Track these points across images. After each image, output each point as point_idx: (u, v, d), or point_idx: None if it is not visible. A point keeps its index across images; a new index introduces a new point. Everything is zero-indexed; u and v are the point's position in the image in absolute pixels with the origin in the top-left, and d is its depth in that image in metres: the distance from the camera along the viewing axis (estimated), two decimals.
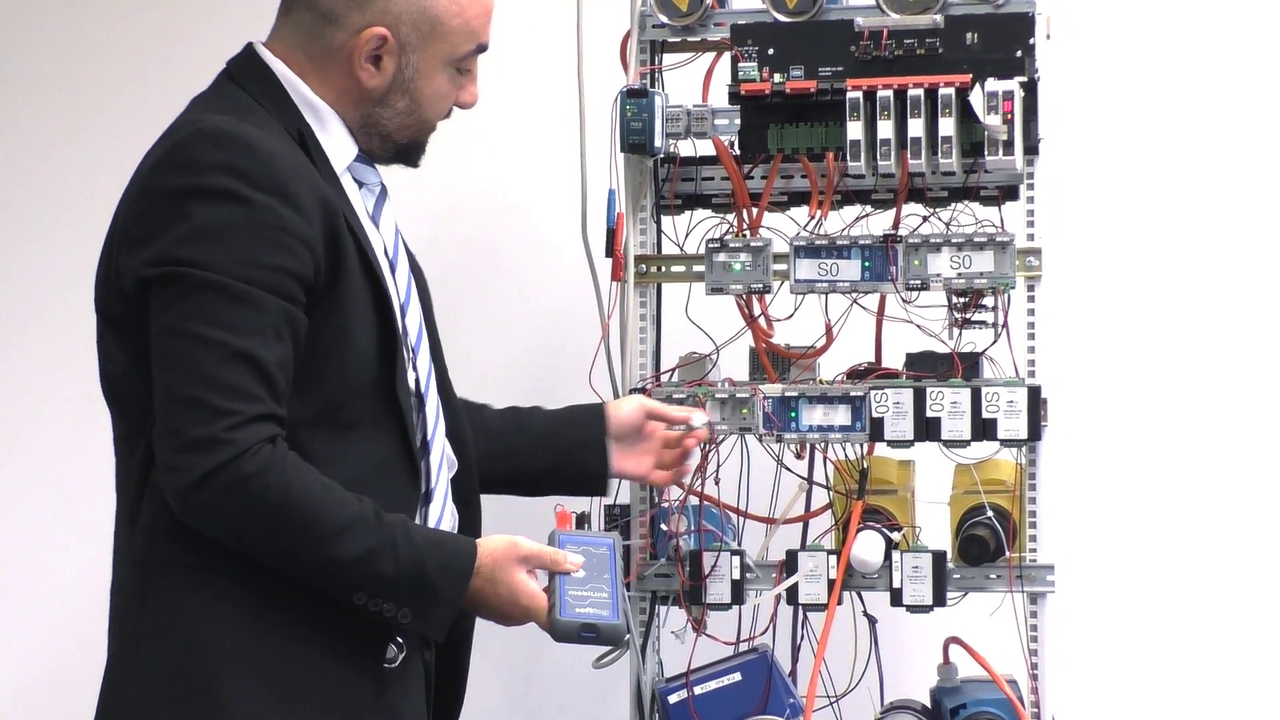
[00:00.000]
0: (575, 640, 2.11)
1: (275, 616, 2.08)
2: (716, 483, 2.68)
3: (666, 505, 2.67)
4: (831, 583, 2.60)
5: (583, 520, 2.52)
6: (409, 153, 2.28)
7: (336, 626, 2.10)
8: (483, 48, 2.26)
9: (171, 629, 2.08)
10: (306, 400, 2.07)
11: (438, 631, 2.11)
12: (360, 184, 2.22)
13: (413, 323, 2.23)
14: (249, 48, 2.21)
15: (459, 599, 2.09)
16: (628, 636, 2.26)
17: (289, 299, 2.03)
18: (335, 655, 2.11)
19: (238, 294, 2.01)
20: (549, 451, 2.49)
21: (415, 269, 2.31)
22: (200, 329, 1.99)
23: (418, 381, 2.22)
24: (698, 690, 2.63)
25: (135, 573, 2.12)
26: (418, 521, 2.18)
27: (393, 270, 2.20)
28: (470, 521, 2.30)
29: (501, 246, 2.49)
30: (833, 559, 2.61)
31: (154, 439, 2.03)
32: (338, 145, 2.20)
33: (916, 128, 2.58)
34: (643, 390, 2.67)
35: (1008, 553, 2.60)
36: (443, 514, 2.23)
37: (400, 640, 2.17)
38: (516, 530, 2.22)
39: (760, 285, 2.67)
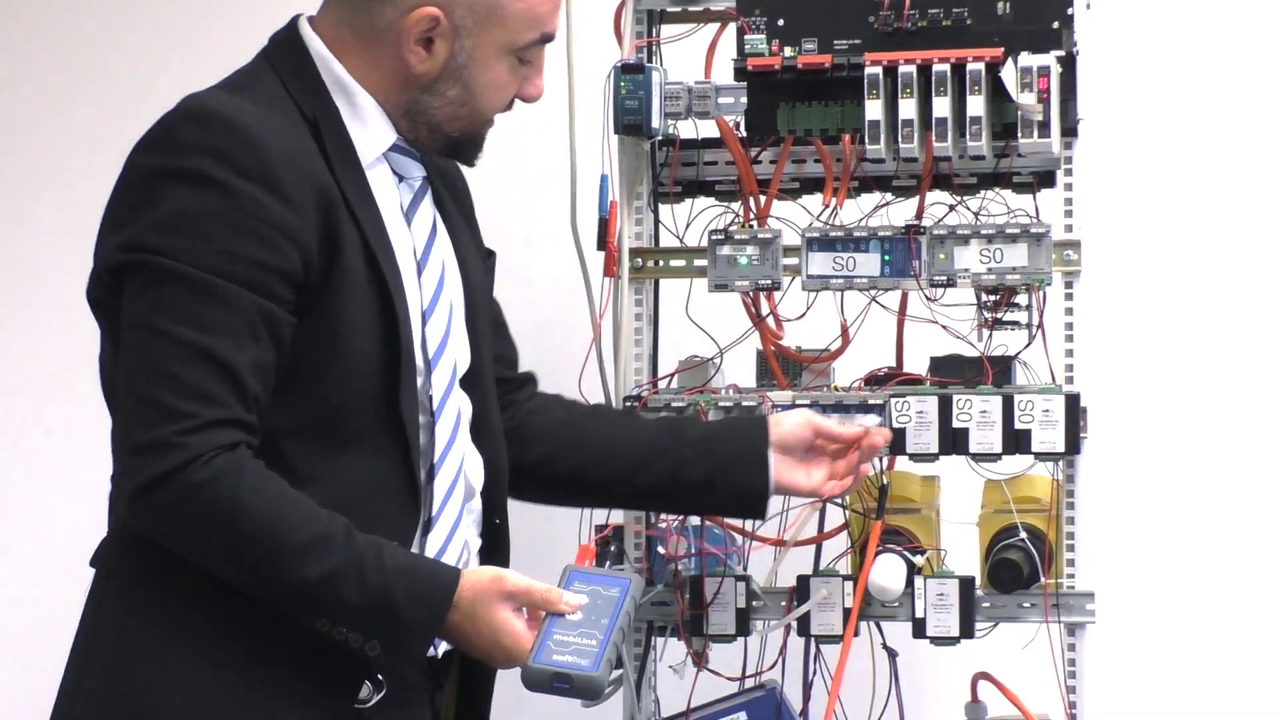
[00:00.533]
0: (546, 690, 2.03)
1: (231, 644, 2.05)
2: None
3: (664, 526, 2.62)
4: (847, 612, 2.55)
5: (605, 559, 2.54)
6: (463, 148, 2.23)
7: (301, 658, 2.06)
8: (548, 38, 2.23)
9: (118, 645, 2.07)
10: (293, 409, 2.05)
11: (409, 666, 2.08)
12: (401, 178, 2.19)
13: (435, 331, 2.18)
14: (292, 22, 2.20)
15: (432, 632, 2.04)
16: (608, 691, 2.18)
17: (268, 296, 1.99)
18: (297, 692, 2.07)
19: (208, 287, 1.98)
20: (706, 462, 2.42)
21: (465, 271, 2.28)
22: (164, 324, 1.97)
23: (431, 398, 2.17)
24: None
25: (97, 579, 2.12)
26: (415, 552, 2.14)
27: (419, 272, 2.17)
28: (494, 549, 2.28)
29: (488, 237, 2.44)
30: (849, 585, 2.56)
31: (110, 439, 2.02)
32: (370, 133, 2.17)
33: (942, 107, 2.51)
34: (639, 399, 2.64)
35: (1043, 579, 2.55)
36: (447, 545, 2.17)
37: (379, 678, 2.11)
38: (534, 556, 2.21)
39: (769, 281, 2.62)
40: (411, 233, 2.15)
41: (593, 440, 2.45)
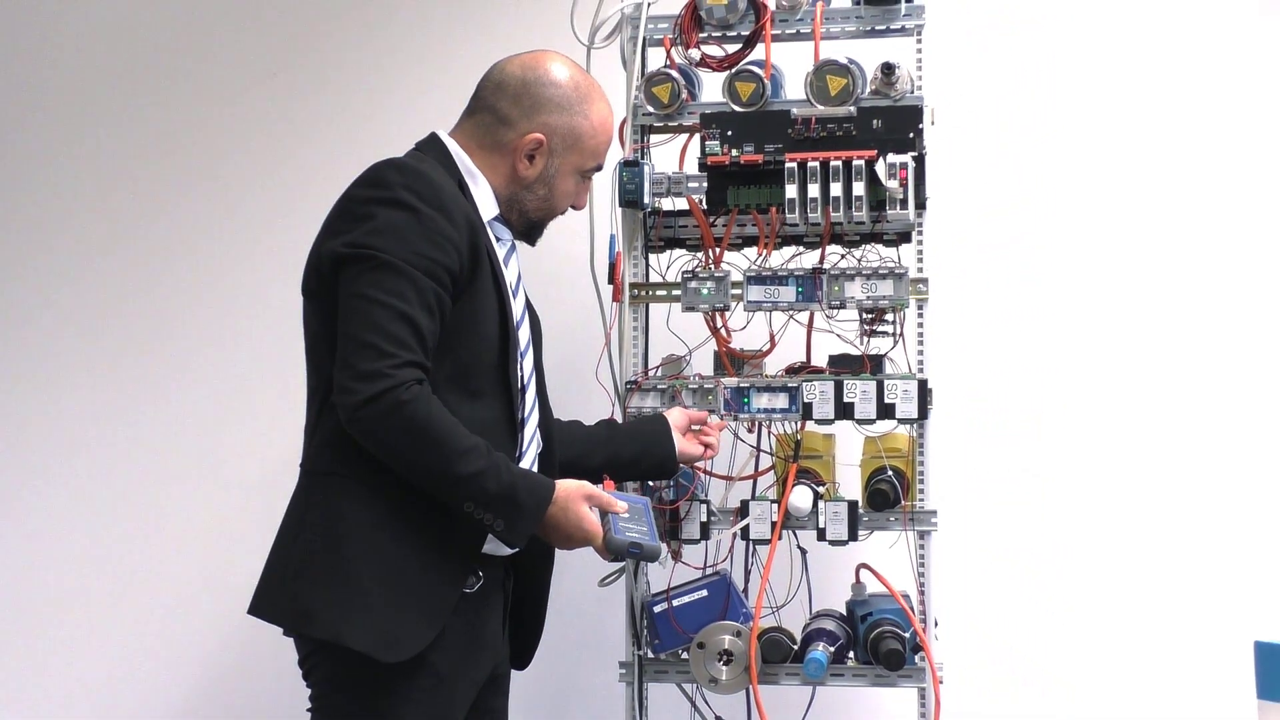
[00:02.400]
0: (624, 554, 2.27)
1: (399, 526, 2.21)
2: None
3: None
4: (774, 524, 2.70)
5: (621, 487, 2.60)
6: (533, 231, 2.48)
7: (439, 544, 2.22)
8: (599, 167, 2.48)
9: (323, 523, 2.22)
10: (444, 364, 2.23)
11: (519, 539, 2.27)
12: (497, 238, 2.39)
13: (522, 336, 2.40)
14: (433, 134, 2.43)
15: (538, 517, 2.24)
16: (661, 553, 2.41)
17: (439, 283, 2.20)
18: (437, 564, 2.23)
19: (405, 273, 2.16)
20: (635, 441, 2.64)
21: (530, 310, 2.47)
22: (377, 294, 2.15)
23: (520, 377, 2.37)
24: (676, 603, 2.75)
25: (305, 479, 2.30)
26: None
27: (513, 296, 2.38)
28: None
29: (535, 276, 2.57)
30: (774, 506, 2.71)
31: (335, 371, 2.17)
32: (484, 202, 2.37)
33: (836, 189, 2.69)
34: (635, 383, 2.79)
35: (903, 501, 2.73)
36: None
37: (480, 573, 2.29)
38: None
39: (722, 305, 2.80)
40: (506, 273, 2.36)
41: (560, 438, 2.54)
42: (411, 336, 2.14)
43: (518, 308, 2.39)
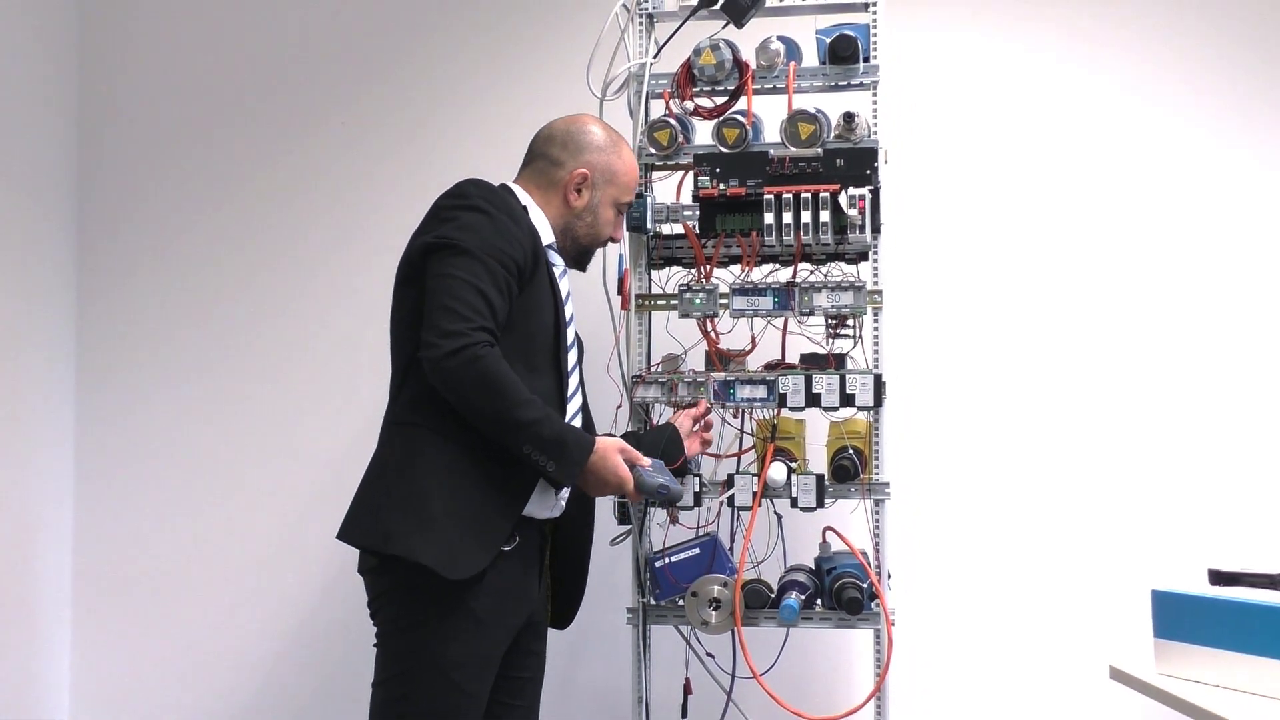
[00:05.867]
0: (653, 494, 2.40)
1: (464, 469, 2.30)
2: None
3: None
4: (755, 494, 2.75)
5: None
6: (583, 257, 2.64)
7: (496, 487, 2.29)
8: (630, 203, 2.65)
9: (403, 464, 2.32)
10: (511, 340, 2.35)
11: (567, 480, 2.37)
12: (552, 263, 2.53)
13: (570, 333, 2.52)
14: (503, 184, 2.55)
15: (582, 462, 2.35)
16: (683, 495, 2.53)
17: (508, 270, 2.34)
18: (493, 503, 2.30)
19: (481, 259, 2.29)
20: (654, 448, 2.64)
21: (574, 325, 2.56)
22: (458, 273, 2.28)
23: (568, 363, 2.48)
24: (673, 559, 2.79)
25: (391, 428, 2.40)
26: None
27: (564, 302, 2.51)
28: None
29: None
30: (755, 479, 2.76)
31: (422, 332, 2.28)
32: (542, 230, 2.51)
33: (806, 217, 2.75)
34: (640, 378, 2.85)
35: (861, 475, 2.77)
36: None
37: (516, 536, 2.37)
38: None
39: (712, 312, 2.85)
40: (561, 283, 2.50)
41: None
42: (485, 307, 2.25)
43: (568, 310, 2.52)
